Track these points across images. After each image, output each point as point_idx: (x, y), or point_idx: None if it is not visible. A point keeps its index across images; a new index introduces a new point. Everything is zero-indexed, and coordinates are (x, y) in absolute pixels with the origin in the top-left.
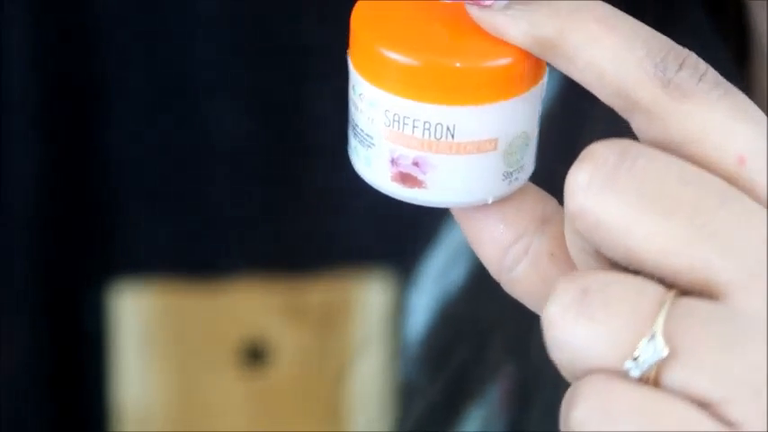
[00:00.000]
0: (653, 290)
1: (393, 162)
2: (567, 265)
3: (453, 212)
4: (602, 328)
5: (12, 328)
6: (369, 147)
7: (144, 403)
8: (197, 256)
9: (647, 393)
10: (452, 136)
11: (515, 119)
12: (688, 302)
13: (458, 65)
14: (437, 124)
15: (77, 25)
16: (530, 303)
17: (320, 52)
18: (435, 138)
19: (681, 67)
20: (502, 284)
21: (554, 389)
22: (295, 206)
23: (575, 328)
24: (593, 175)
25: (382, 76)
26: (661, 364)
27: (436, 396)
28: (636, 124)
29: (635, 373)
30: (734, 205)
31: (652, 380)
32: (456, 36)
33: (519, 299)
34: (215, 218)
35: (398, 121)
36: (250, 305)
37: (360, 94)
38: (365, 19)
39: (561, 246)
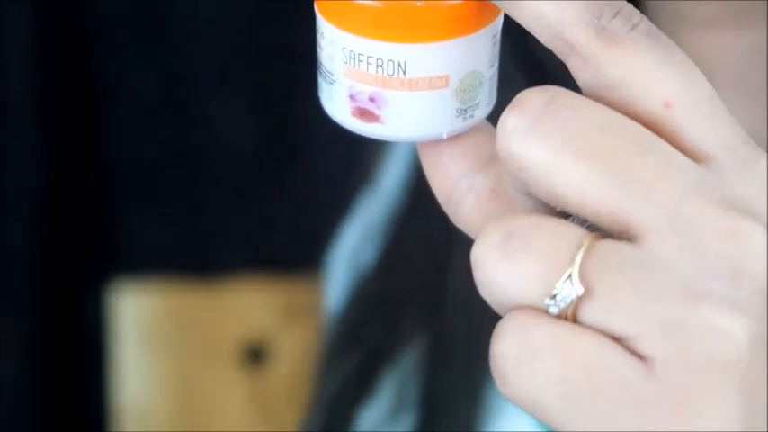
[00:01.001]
0: (573, 233)
1: (351, 98)
2: (508, 203)
3: (421, 155)
4: (522, 269)
5: (12, 328)
6: (331, 83)
7: (144, 403)
8: (197, 256)
9: (564, 328)
10: (404, 72)
11: (466, 57)
12: (606, 245)
13: (409, 3)
14: (389, 61)
15: (77, 25)
16: (473, 234)
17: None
18: (388, 74)
19: (615, 15)
20: (449, 216)
21: (466, 353)
22: (295, 206)
23: (497, 269)
24: (519, 120)
25: (340, 15)
26: (578, 303)
27: (352, 366)
28: (571, 67)
29: (553, 310)
30: (653, 153)
31: (570, 317)
32: None
33: (465, 231)
34: (215, 218)
35: (354, 59)
36: (250, 305)
37: (321, 34)
38: None
39: (503, 184)
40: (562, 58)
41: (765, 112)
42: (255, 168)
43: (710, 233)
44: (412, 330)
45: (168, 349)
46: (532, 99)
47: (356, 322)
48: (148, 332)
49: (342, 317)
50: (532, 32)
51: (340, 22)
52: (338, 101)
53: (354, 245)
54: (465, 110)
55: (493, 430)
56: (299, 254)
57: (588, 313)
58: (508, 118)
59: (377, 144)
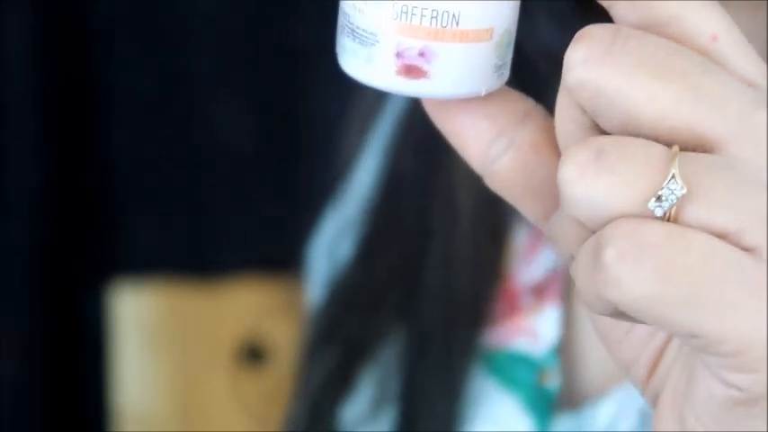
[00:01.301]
0: (659, 146)
1: (399, 55)
2: (549, 154)
3: (437, 114)
4: (621, 178)
5: (12, 328)
6: (372, 45)
7: (144, 403)
8: (197, 256)
9: (672, 228)
10: (457, 23)
11: (505, 13)
12: (691, 154)
13: None
14: (444, 12)
15: (77, 25)
16: (509, 194)
17: (320, 53)
18: (442, 25)
19: None
20: (485, 177)
21: (443, 347)
22: (294, 206)
23: (596, 181)
24: (591, 49)
25: None
26: (680, 203)
27: (332, 361)
28: (617, 11)
29: (659, 211)
30: (717, 73)
31: (673, 218)
32: None
33: (498, 190)
34: (215, 218)
35: (407, 12)
36: (250, 305)
37: None
38: None
39: (543, 136)
40: (607, 2)
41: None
42: (255, 168)
43: None
44: (390, 324)
45: (168, 349)
46: (599, 31)
47: (335, 316)
48: (148, 332)
49: (322, 311)
50: None
51: None
52: (381, 61)
53: (331, 239)
54: (500, 66)
55: (471, 429)
56: (299, 254)
57: (691, 212)
58: (577, 49)
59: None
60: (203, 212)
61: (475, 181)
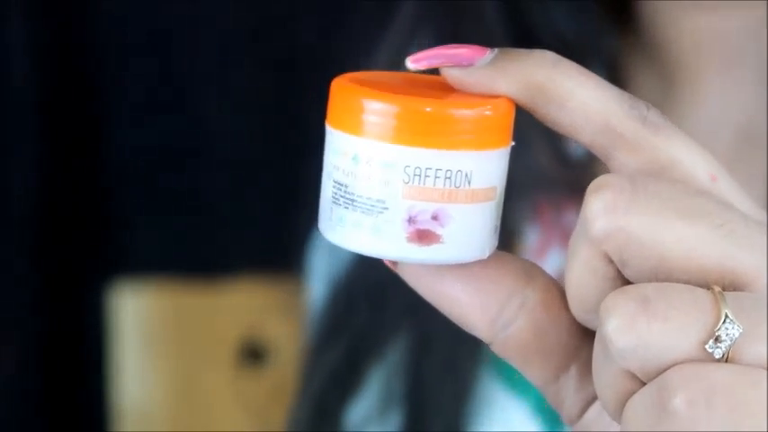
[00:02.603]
0: (700, 289)
1: (410, 221)
2: (560, 312)
3: (431, 282)
4: (675, 324)
5: (12, 329)
6: (379, 213)
7: (144, 403)
8: (197, 256)
9: (735, 369)
10: (469, 183)
11: (504, 168)
12: (733, 293)
13: (468, 112)
14: (458, 171)
15: (77, 25)
16: (519, 358)
17: (320, 53)
18: (455, 186)
19: (647, 107)
20: (494, 346)
21: (450, 348)
22: (295, 206)
23: (650, 330)
24: (616, 198)
25: (400, 130)
26: (736, 342)
27: (337, 361)
28: (618, 158)
29: (718, 353)
30: (734, 210)
31: (730, 358)
32: (444, 93)
33: (507, 357)
34: (215, 218)
35: (419, 175)
36: (250, 305)
37: (367, 161)
38: (351, 87)
39: (551, 293)
40: (604, 152)
41: (764, 93)
42: (255, 168)
43: None
44: (395, 323)
45: (168, 349)
46: (615, 179)
47: (340, 314)
48: (148, 332)
49: (326, 309)
50: (574, 132)
51: (398, 137)
52: (390, 230)
53: None
54: (497, 226)
55: (478, 430)
56: (299, 254)
57: (748, 350)
58: (599, 199)
59: None
60: (203, 212)
61: None
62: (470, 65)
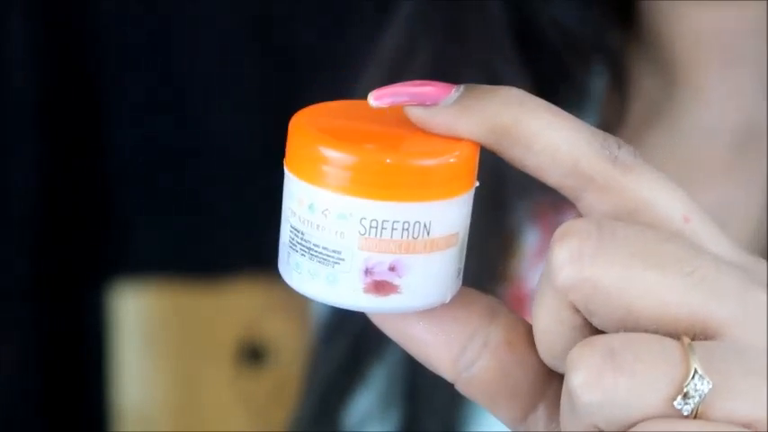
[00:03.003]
0: (669, 339)
1: (367, 272)
2: (525, 351)
3: (395, 327)
4: (643, 378)
5: (12, 329)
6: (335, 264)
7: (144, 402)
8: (197, 256)
9: (703, 425)
10: (428, 233)
11: (466, 213)
12: (703, 343)
13: (429, 162)
14: (415, 222)
15: (77, 25)
16: (485, 398)
17: (319, 52)
18: (413, 237)
19: (619, 145)
20: (457, 385)
21: None
22: None
23: (616, 385)
24: (581, 246)
25: (355, 182)
26: (705, 399)
27: (339, 359)
28: (587, 201)
29: (686, 410)
30: (706, 255)
31: (699, 414)
32: (407, 135)
33: (473, 397)
34: (215, 218)
35: (376, 227)
36: (250, 305)
37: (324, 211)
38: (308, 131)
39: (516, 332)
40: (573, 194)
41: (765, 92)
42: (255, 168)
43: None
44: None
45: (168, 349)
46: (582, 225)
47: (342, 313)
48: (148, 332)
49: (328, 308)
50: (541, 174)
51: (354, 189)
52: (346, 281)
53: None
54: (460, 269)
55: (476, 430)
56: None
57: (717, 406)
58: (564, 247)
59: None
60: (203, 212)
61: (484, 182)
62: (434, 104)
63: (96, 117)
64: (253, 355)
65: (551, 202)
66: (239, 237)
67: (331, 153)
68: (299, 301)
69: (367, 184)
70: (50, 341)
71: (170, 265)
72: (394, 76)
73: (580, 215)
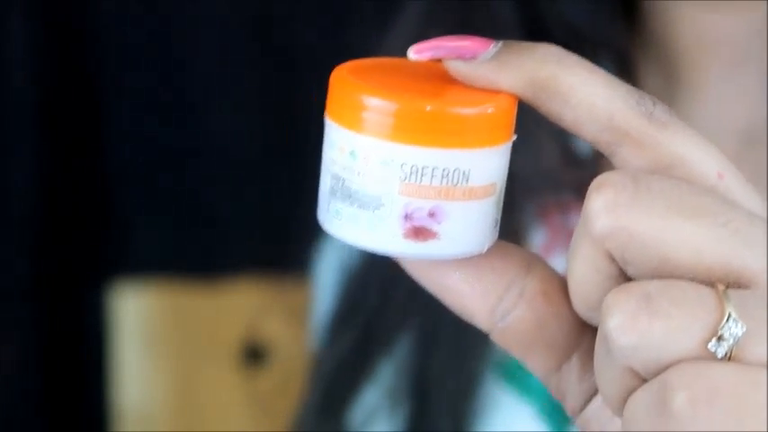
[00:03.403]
0: (703, 286)
1: (407, 217)
2: (561, 303)
3: (431, 275)
4: (677, 322)
5: (12, 329)
6: (376, 209)
7: (144, 403)
8: (197, 256)
9: (738, 368)
10: (467, 180)
11: (504, 164)
12: (737, 291)
13: (468, 110)
14: (455, 170)
15: (77, 25)
16: (519, 348)
17: (319, 52)
18: (452, 184)
19: (654, 102)
20: (493, 335)
21: (456, 332)
22: (295, 206)
23: (651, 328)
24: (617, 196)
25: (396, 129)
26: (740, 341)
27: (346, 353)
28: (623, 155)
29: (720, 352)
30: (738, 207)
31: (733, 357)
32: (445, 87)
33: (507, 346)
34: (215, 218)
35: (416, 173)
36: (250, 305)
37: (365, 157)
38: (350, 81)
39: (552, 284)
40: (609, 149)
41: (767, 91)
42: (256, 168)
43: None
44: (403, 317)
45: (168, 349)
46: (618, 177)
47: (349, 306)
48: (148, 332)
49: (335, 301)
50: (578, 128)
51: (397, 135)
52: (386, 226)
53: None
54: (497, 220)
55: (484, 430)
56: (299, 254)
57: (751, 349)
58: (600, 197)
59: None
60: (203, 212)
61: None
62: (473, 58)
63: (96, 117)
64: (253, 355)
65: (558, 202)
66: (239, 237)
67: (372, 100)
68: (300, 301)
69: (407, 130)
70: (50, 341)
71: (170, 265)
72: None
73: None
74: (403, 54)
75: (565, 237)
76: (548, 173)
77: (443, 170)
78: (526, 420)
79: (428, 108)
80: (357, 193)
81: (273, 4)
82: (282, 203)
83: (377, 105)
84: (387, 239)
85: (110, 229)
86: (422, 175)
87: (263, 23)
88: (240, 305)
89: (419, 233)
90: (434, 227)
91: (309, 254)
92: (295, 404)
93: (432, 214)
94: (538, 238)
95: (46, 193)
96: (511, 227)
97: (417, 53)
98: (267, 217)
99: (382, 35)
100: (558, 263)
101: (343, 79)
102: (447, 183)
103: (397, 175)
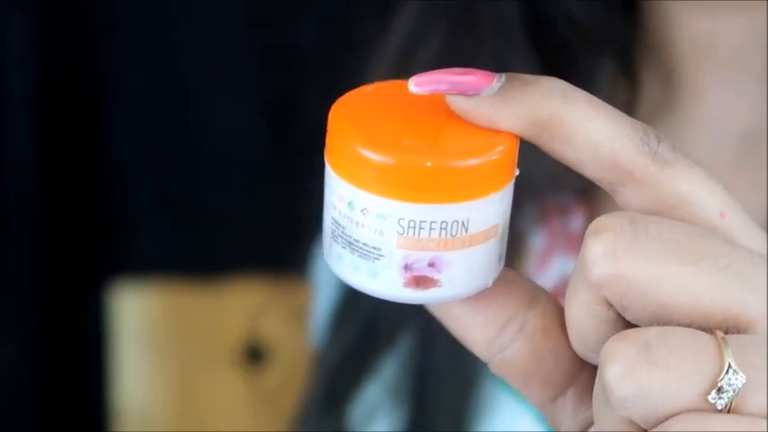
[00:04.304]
0: (702, 333)
1: (406, 268)
2: (560, 339)
3: (436, 308)
4: (677, 372)
5: (12, 328)
6: (375, 259)
7: (144, 403)
8: (197, 256)
9: (738, 420)
10: (466, 230)
11: (508, 202)
12: (736, 337)
13: (468, 162)
14: (453, 222)
15: (77, 25)
16: (516, 380)
17: (319, 52)
18: (451, 235)
19: (659, 139)
20: (490, 365)
21: (455, 345)
22: (295, 206)
23: (650, 379)
24: (615, 242)
25: (393, 185)
26: (738, 393)
27: (348, 349)
28: (625, 196)
29: (720, 404)
30: (739, 248)
31: (733, 409)
32: (445, 126)
33: (506, 377)
34: (215, 218)
35: (414, 227)
36: (250, 305)
37: (363, 210)
38: (347, 129)
39: (553, 321)
40: (612, 188)
41: (766, 95)
42: (256, 168)
43: None
44: (405, 313)
45: (168, 349)
46: (615, 221)
47: (351, 302)
48: (148, 332)
49: (337, 297)
50: (581, 168)
51: (392, 191)
52: (387, 275)
53: None
54: (501, 254)
55: (483, 430)
56: (299, 254)
57: (750, 401)
58: (598, 242)
59: None
60: (203, 212)
61: None
62: (476, 94)
63: (96, 117)
64: (253, 354)
65: (558, 205)
66: (239, 237)
67: (370, 155)
68: (300, 300)
69: (405, 187)
70: (50, 341)
71: (170, 265)
72: (403, 64)
73: (583, 217)
74: (400, 55)
75: (564, 240)
76: (549, 175)
77: (441, 223)
78: (525, 421)
79: (428, 164)
80: (357, 242)
81: (273, 4)
82: (282, 203)
83: (374, 160)
84: (388, 288)
85: (110, 229)
86: (420, 229)
87: (264, 23)
88: (240, 305)
89: (420, 282)
90: (435, 275)
91: (309, 253)
92: (296, 403)
93: (432, 264)
94: (537, 242)
95: (46, 193)
96: (512, 231)
97: (417, 86)
98: (267, 217)
99: (382, 33)
100: (556, 267)
101: (340, 123)
102: (446, 235)
103: (394, 228)
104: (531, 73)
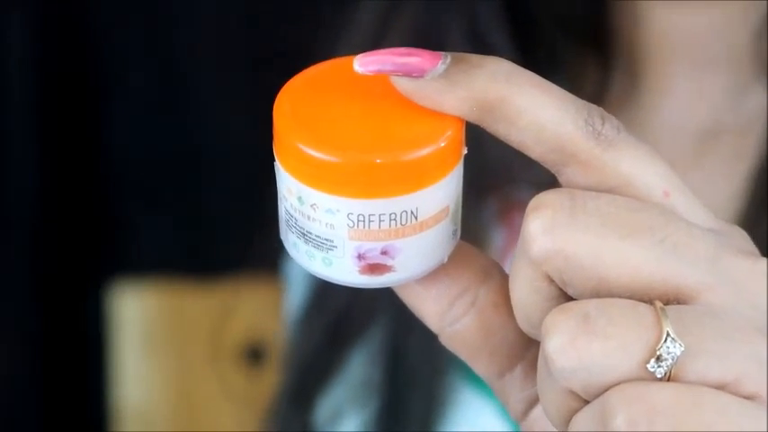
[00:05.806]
0: (642, 304)
1: (360, 257)
2: (509, 315)
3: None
4: (616, 342)
5: (12, 328)
6: (329, 249)
7: (144, 403)
8: (197, 256)
9: (677, 388)
10: (416, 218)
11: (457, 183)
12: (675, 307)
13: (416, 155)
14: (402, 212)
15: (77, 25)
16: (464, 353)
17: (319, 52)
18: (402, 224)
19: (603, 120)
20: (441, 337)
21: (424, 327)
22: None
23: (589, 349)
24: (554, 217)
25: (340, 183)
26: (679, 360)
27: (317, 346)
28: (569, 176)
29: (660, 372)
30: (679, 222)
31: (673, 376)
32: (389, 117)
33: (454, 349)
34: (215, 218)
35: (363, 221)
36: (250, 305)
37: (312, 205)
38: (292, 126)
39: (504, 297)
40: (556, 168)
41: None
42: (255, 168)
43: (748, 278)
44: (374, 304)
45: (168, 349)
46: (554, 197)
47: (319, 299)
48: (148, 332)
49: (306, 295)
50: (525, 148)
51: (339, 189)
52: (341, 264)
53: None
54: (455, 230)
55: (452, 425)
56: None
57: (690, 368)
58: (537, 218)
59: None
60: (203, 212)
61: None
62: (420, 76)
63: (96, 117)
64: (253, 355)
65: (518, 201)
66: (239, 237)
67: (314, 153)
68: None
69: (353, 183)
70: (50, 341)
71: (170, 265)
72: (376, 39)
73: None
74: (377, 22)
75: None
76: (507, 172)
77: (391, 215)
78: (489, 419)
79: (377, 161)
80: (310, 234)
81: (273, 4)
82: None
83: (319, 159)
84: (344, 274)
85: (110, 229)
86: (370, 222)
87: (263, 23)
88: (240, 305)
89: (374, 269)
90: (389, 262)
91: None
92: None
93: (384, 252)
94: (497, 239)
95: (46, 193)
96: (470, 227)
97: (363, 66)
98: (267, 217)
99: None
100: None
101: (284, 120)
102: (396, 225)
103: (344, 222)
104: (503, 54)
